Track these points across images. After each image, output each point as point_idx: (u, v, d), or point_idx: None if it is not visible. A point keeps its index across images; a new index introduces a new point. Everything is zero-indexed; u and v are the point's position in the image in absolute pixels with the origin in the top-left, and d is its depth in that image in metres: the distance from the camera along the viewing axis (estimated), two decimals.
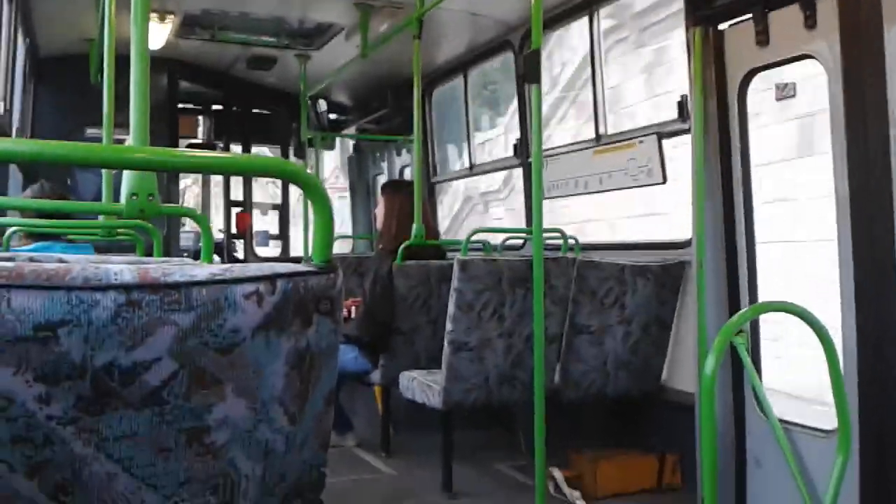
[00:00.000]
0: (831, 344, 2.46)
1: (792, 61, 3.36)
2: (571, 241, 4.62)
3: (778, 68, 3.49)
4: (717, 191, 3.70)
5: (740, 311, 3.04)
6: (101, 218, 3.14)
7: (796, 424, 3.26)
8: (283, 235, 7.94)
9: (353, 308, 4.73)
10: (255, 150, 7.90)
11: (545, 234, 3.52)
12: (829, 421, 2.87)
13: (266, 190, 9.32)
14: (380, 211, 4.83)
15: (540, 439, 3.29)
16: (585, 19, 4.89)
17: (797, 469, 2.76)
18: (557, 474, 3.94)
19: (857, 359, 2.95)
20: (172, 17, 5.47)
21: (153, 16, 5.25)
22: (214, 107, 7.69)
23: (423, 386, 4.01)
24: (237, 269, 0.98)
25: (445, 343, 3.82)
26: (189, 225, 7.79)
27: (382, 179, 8.06)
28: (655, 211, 8.79)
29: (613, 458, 4.06)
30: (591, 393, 4.06)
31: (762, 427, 3.42)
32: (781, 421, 3.00)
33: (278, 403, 1.02)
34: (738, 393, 3.62)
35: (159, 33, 5.60)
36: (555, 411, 3.75)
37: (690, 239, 3.85)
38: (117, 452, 0.94)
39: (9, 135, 4.87)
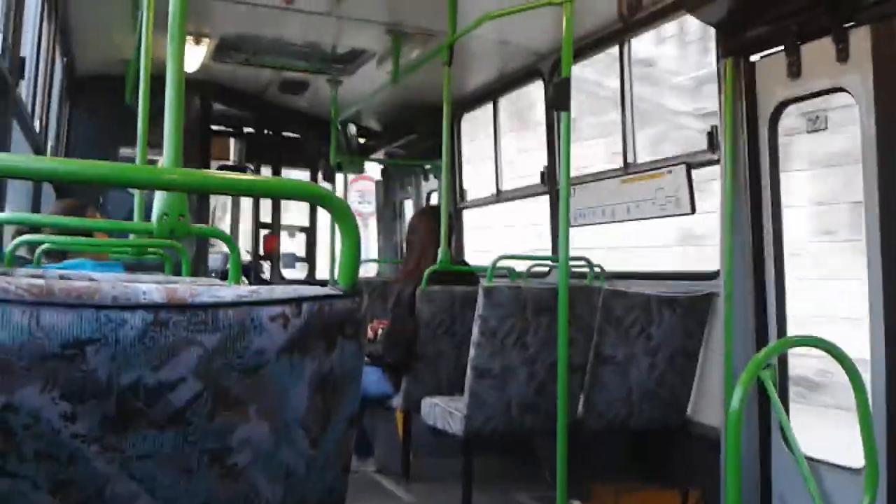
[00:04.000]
0: (860, 380, 2.42)
1: (824, 94, 3.34)
2: (597, 270, 4.60)
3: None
4: (747, 222, 3.67)
5: (768, 345, 3.00)
6: (131, 237, 3.17)
7: (823, 462, 3.21)
8: (310, 258, 7.99)
9: (379, 329, 4.74)
10: (284, 172, 7.98)
11: (571, 262, 3.51)
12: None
13: (294, 212, 9.39)
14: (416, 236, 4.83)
15: (562, 470, 3.26)
16: (616, 49, 4.90)
17: None
18: None
19: (886, 396, 2.91)
20: (208, 40, 5.56)
21: (189, 39, 5.34)
22: (246, 129, 7.78)
23: (444, 412, 3.99)
24: (264, 291, 0.99)
25: (468, 369, 3.81)
26: (217, 245, 7.86)
27: (409, 203, 8.10)
28: None
29: (636, 491, 4.01)
30: (614, 424, 4.02)
31: (788, 463, 3.37)
32: (808, 458, 2.96)
33: (301, 426, 1.02)
34: (764, 428, 3.57)
35: (195, 56, 5.69)
36: (577, 441, 3.72)
37: (718, 270, 3.83)
38: (140, 472, 0.95)
39: (43, 153, 4.96)
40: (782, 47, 3.43)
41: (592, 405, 3.96)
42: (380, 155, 8.11)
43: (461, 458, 4.03)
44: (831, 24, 3.14)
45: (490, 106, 6.49)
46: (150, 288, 0.94)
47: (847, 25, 3.11)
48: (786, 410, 3.28)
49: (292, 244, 8.35)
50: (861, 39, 3.07)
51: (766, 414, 3.55)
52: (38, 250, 2.99)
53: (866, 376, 2.59)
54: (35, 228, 3.13)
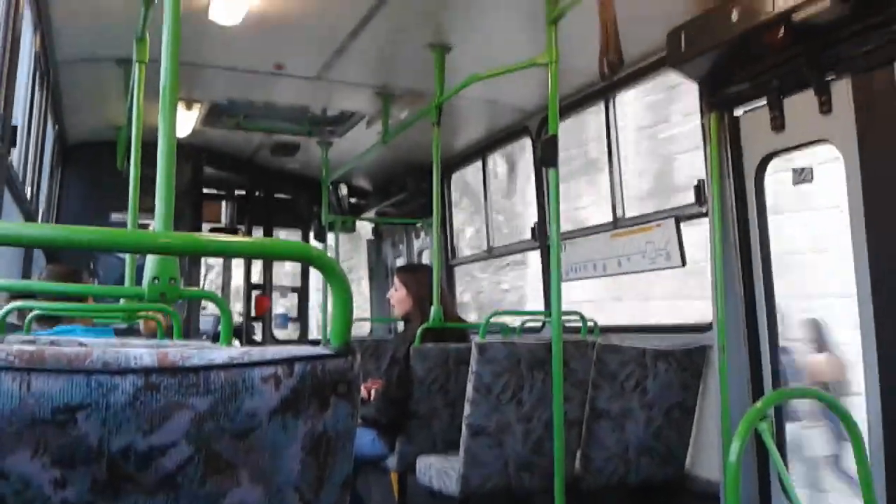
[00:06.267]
0: (857, 431, 2.41)
1: (808, 146, 3.39)
2: (591, 324, 4.59)
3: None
4: (737, 274, 3.69)
5: (764, 397, 2.99)
6: (122, 301, 3.16)
7: None
8: (302, 318, 7.97)
9: (372, 390, 4.70)
10: (276, 233, 8.01)
11: (564, 317, 3.51)
12: None
13: (286, 273, 9.41)
14: (398, 295, 4.81)
15: None
16: (601, 105, 4.98)
17: None
18: None
19: (885, 447, 2.89)
20: (199, 105, 5.63)
21: (180, 104, 5.40)
22: (238, 192, 7.84)
23: (440, 472, 3.94)
24: (255, 353, 0.99)
25: (463, 427, 3.77)
26: (209, 308, 7.84)
27: (401, 262, 8.12)
28: None
29: None
30: (612, 480, 3.97)
31: None
32: None
33: (294, 489, 1.01)
34: (763, 481, 3.54)
35: (186, 121, 5.75)
36: (575, 500, 3.67)
37: (712, 322, 3.83)
38: None
39: (34, 219, 4.97)
40: (765, 101, 3.49)
41: (590, 462, 3.91)
42: (371, 214, 8.16)
43: None
44: (812, 78, 3.19)
45: (479, 163, 6.56)
46: (141, 352, 0.93)
47: (828, 78, 3.17)
48: (784, 462, 3.25)
49: (284, 304, 8.34)
50: (843, 91, 3.13)
51: (764, 466, 3.52)
52: (29, 316, 2.97)
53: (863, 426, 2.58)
54: (26, 295, 3.11)
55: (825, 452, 6.62)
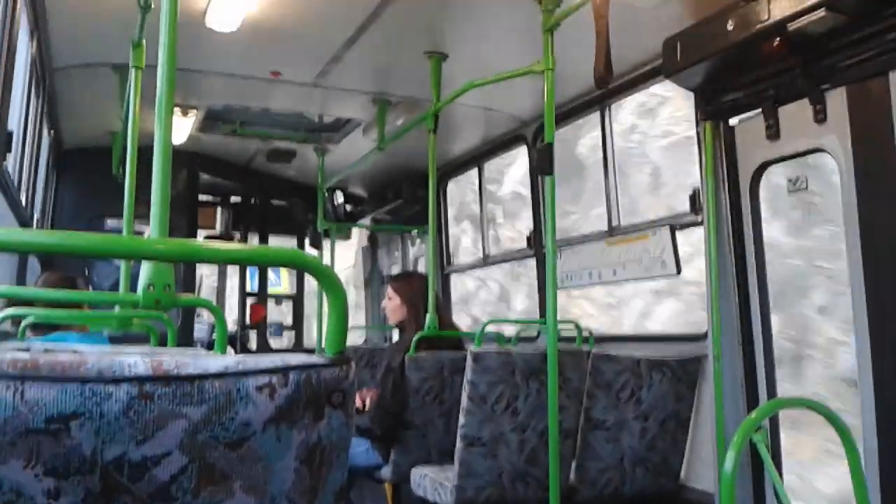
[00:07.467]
0: (852, 442, 2.40)
1: (803, 155, 3.39)
2: (586, 333, 4.59)
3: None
4: (732, 283, 3.69)
5: (758, 407, 2.99)
6: (117, 308, 3.15)
7: None
8: (297, 326, 7.95)
9: (367, 399, 4.69)
10: (272, 240, 7.99)
11: (559, 326, 3.51)
12: None
13: (281, 280, 9.39)
14: (392, 304, 4.81)
15: None
16: (597, 114, 4.99)
17: None
18: None
19: (878, 457, 2.89)
20: (195, 111, 5.62)
21: (176, 111, 5.39)
22: (233, 198, 7.82)
23: (434, 483, 3.92)
24: (250, 361, 0.98)
25: (458, 437, 3.75)
26: (204, 315, 7.82)
27: (396, 269, 8.11)
28: None
29: None
30: (607, 492, 3.95)
31: None
32: None
33: (287, 500, 1.00)
34: (758, 492, 3.53)
35: (182, 128, 5.74)
36: None
37: (707, 332, 3.83)
38: None
39: (29, 225, 4.95)
40: (760, 110, 3.49)
41: (585, 473, 3.89)
42: (366, 221, 8.15)
43: None
44: (807, 87, 3.20)
45: (475, 171, 6.56)
46: (136, 360, 0.93)
47: (823, 88, 3.18)
48: (779, 472, 3.25)
49: (279, 312, 8.32)
50: (837, 101, 3.14)
51: (759, 477, 3.51)
52: (23, 323, 2.96)
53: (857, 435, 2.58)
54: (20, 301, 3.10)
55: None
